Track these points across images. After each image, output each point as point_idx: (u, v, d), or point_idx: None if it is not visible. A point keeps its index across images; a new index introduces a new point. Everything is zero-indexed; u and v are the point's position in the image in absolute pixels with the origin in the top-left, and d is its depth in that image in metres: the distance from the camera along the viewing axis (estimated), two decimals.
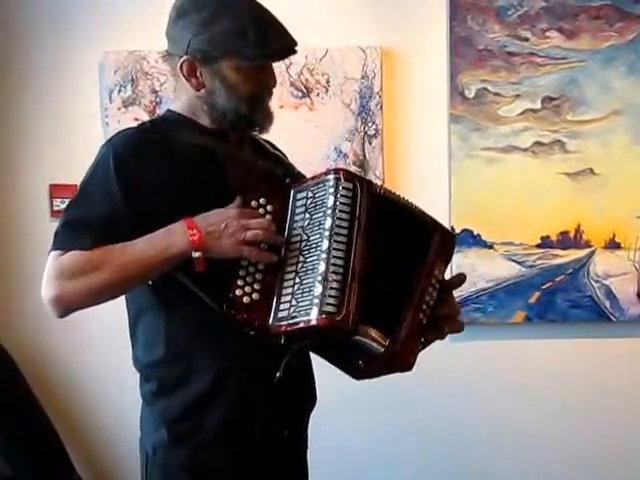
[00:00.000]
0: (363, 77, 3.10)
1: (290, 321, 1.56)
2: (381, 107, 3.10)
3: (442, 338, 1.75)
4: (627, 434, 3.15)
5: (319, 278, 1.54)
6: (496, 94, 3.11)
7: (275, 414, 1.70)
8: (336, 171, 1.63)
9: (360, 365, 1.66)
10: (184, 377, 1.68)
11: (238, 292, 1.59)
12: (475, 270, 3.01)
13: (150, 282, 1.67)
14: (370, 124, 3.10)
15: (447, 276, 1.79)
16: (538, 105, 3.11)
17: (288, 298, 1.58)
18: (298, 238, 1.62)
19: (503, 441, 3.16)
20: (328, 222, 1.58)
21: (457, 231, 3.07)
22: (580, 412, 3.15)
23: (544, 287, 3.11)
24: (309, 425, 1.86)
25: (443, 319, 1.73)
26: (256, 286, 1.60)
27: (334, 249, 1.55)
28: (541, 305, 3.11)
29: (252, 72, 1.70)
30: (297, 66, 3.07)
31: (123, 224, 1.61)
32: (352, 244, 1.57)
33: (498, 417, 3.15)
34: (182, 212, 1.60)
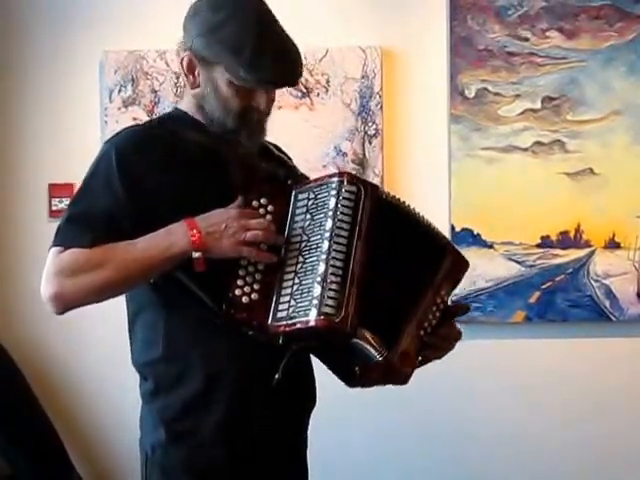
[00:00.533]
0: (363, 77, 3.10)
1: (289, 321, 1.56)
2: (381, 107, 3.10)
3: (439, 358, 1.75)
4: (627, 434, 3.15)
5: (318, 279, 1.53)
6: (496, 94, 3.11)
7: (275, 414, 1.70)
8: (340, 174, 1.62)
9: (356, 371, 1.66)
10: (182, 376, 1.67)
11: (237, 292, 1.59)
12: (475, 270, 3.00)
13: (151, 281, 1.67)
14: (370, 124, 3.10)
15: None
16: (538, 105, 3.11)
17: (287, 298, 1.58)
18: (298, 239, 1.61)
19: (503, 440, 3.16)
20: (329, 223, 1.57)
21: (457, 230, 3.07)
22: (580, 412, 3.14)
23: (544, 287, 3.11)
24: (309, 425, 1.86)
25: (444, 339, 1.73)
26: (255, 286, 1.60)
27: (334, 250, 1.55)
28: (541, 305, 3.11)
29: (244, 90, 1.67)
30: None
31: (125, 221, 1.60)
32: (352, 247, 1.56)
33: (498, 416, 3.15)
34: (183, 210, 1.60)
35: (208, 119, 1.72)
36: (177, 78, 3.09)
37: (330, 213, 1.58)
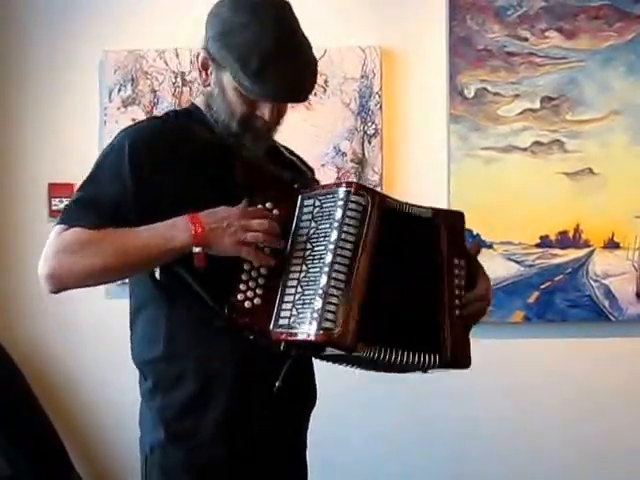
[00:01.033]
0: (362, 77, 3.10)
1: (290, 331, 1.56)
2: (380, 107, 3.10)
3: (482, 317, 1.79)
4: (626, 433, 3.15)
5: (320, 292, 1.53)
6: (495, 94, 3.11)
7: (274, 414, 1.70)
8: (348, 184, 1.61)
9: (428, 372, 1.68)
10: (182, 376, 1.67)
11: (240, 296, 1.59)
12: None
13: (157, 276, 1.68)
14: (369, 124, 3.10)
15: None
16: (537, 105, 3.11)
17: (289, 306, 1.58)
18: (302, 246, 1.61)
19: (502, 439, 3.16)
20: (334, 235, 1.56)
21: None
22: (579, 411, 3.14)
23: (543, 287, 3.11)
24: (309, 425, 1.86)
25: (477, 301, 1.74)
26: (258, 291, 1.60)
27: (337, 263, 1.54)
28: (540, 305, 3.11)
29: (248, 98, 1.66)
30: None
31: (130, 211, 1.61)
32: (356, 259, 1.55)
33: (497, 416, 3.15)
34: (188, 207, 1.60)
35: (214, 119, 1.72)
36: (176, 78, 3.10)
37: (336, 224, 1.57)
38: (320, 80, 3.08)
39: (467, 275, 1.73)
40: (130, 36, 3.12)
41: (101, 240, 1.58)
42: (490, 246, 3.09)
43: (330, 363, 1.71)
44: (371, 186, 3.01)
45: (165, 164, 1.65)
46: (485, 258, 3.00)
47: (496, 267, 3.08)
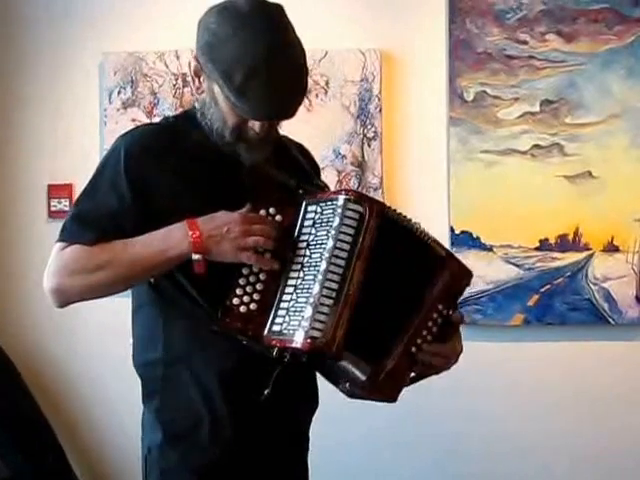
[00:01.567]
0: (362, 80, 3.10)
1: (280, 337, 1.56)
2: (380, 110, 3.10)
3: (437, 373, 1.73)
4: (625, 436, 3.15)
5: (311, 300, 1.53)
6: (495, 97, 3.11)
7: (274, 416, 1.69)
8: (347, 192, 1.60)
9: (346, 387, 1.66)
10: (180, 378, 1.67)
11: (235, 301, 1.59)
12: (474, 272, 2.99)
13: (152, 281, 1.68)
14: (369, 127, 3.10)
15: None
16: (537, 108, 3.11)
17: (284, 312, 1.58)
18: (302, 252, 1.60)
19: (501, 440, 3.15)
20: (329, 243, 1.55)
21: (456, 233, 3.07)
22: (578, 414, 3.14)
23: (543, 290, 3.11)
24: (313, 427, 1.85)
25: (440, 355, 1.70)
26: (255, 296, 1.60)
27: (330, 272, 1.54)
28: (540, 308, 3.11)
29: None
30: None
31: (129, 222, 1.61)
32: (350, 269, 1.54)
33: (496, 418, 3.15)
34: (189, 212, 1.60)
35: (209, 127, 1.69)
36: (176, 80, 3.10)
37: (332, 232, 1.56)
38: (321, 81, 3.09)
39: (442, 328, 1.69)
40: (130, 38, 3.13)
41: (100, 255, 1.58)
42: (490, 249, 3.09)
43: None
44: (371, 189, 3.03)
45: (163, 171, 1.64)
46: (485, 261, 3.07)
47: (496, 270, 3.08)
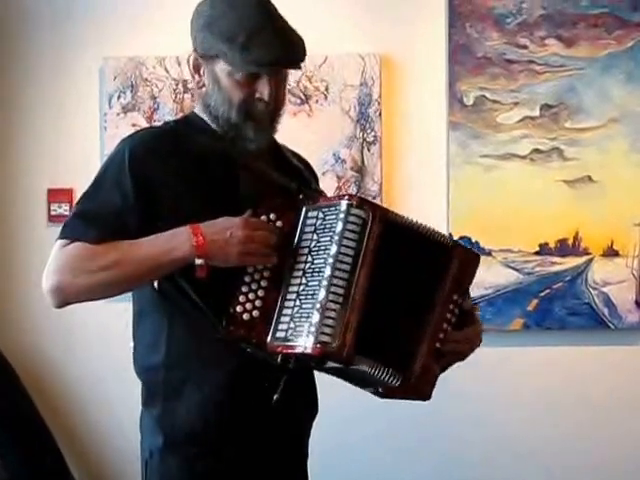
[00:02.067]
0: (362, 84, 3.10)
1: (286, 344, 1.55)
2: (380, 114, 3.11)
3: (462, 360, 1.75)
4: (626, 441, 3.14)
5: (317, 306, 1.52)
6: (495, 101, 3.11)
7: (274, 423, 1.69)
8: (350, 197, 1.59)
9: (379, 392, 1.67)
10: (181, 384, 1.67)
11: (239, 308, 1.59)
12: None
13: (155, 285, 1.67)
14: (369, 131, 3.10)
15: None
16: (537, 113, 3.12)
17: (287, 319, 1.57)
18: (303, 259, 1.60)
19: (501, 445, 3.15)
20: (334, 249, 1.55)
21: (455, 238, 3.07)
22: (578, 419, 3.14)
23: (542, 294, 3.11)
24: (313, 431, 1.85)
25: (461, 342, 1.72)
26: (257, 303, 1.59)
27: (335, 277, 1.53)
28: (539, 312, 3.11)
29: (244, 80, 1.65)
30: (296, 74, 3.07)
31: (132, 222, 1.61)
32: (355, 273, 1.54)
33: (495, 423, 3.14)
34: (190, 216, 1.60)
35: (213, 117, 1.70)
36: (176, 85, 3.10)
37: (336, 238, 1.55)
38: (321, 87, 3.09)
39: (460, 316, 1.70)
40: (130, 43, 3.13)
41: (103, 255, 1.57)
42: (489, 254, 3.09)
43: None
44: (370, 194, 3.03)
45: (167, 173, 1.64)
46: (484, 266, 3.04)
47: (495, 275, 3.08)
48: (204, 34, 1.66)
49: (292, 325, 1.55)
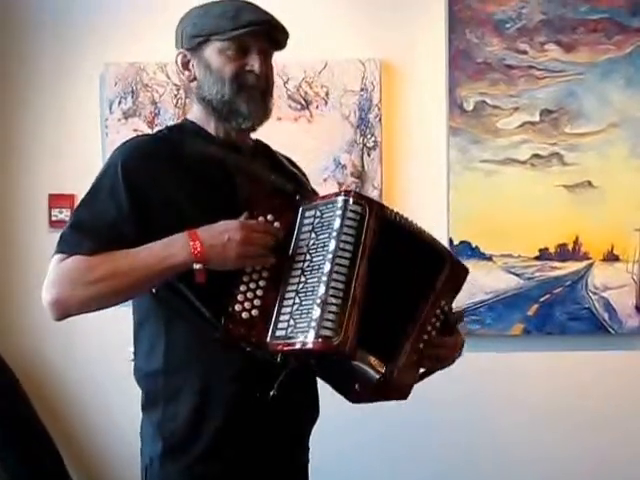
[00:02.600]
0: (362, 90, 3.11)
1: (287, 341, 1.55)
2: (380, 119, 3.11)
3: (443, 368, 1.76)
4: (626, 446, 3.14)
5: (318, 301, 1.53)
6: (495, 107, 3.12)
7: (274, 427, 1.69)
8: (346, 193, 1.60)
9: (356, 389, 1.66)
10: (181, 389, 1.67)
11: (237, 307, 1.59)
12: (473, 282, 3.00)
13: (154, 291, 1.68)
14: (369, 136, 3.11)
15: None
16: (536, 118, 3.12)
17: (287, 317, 1.57)
18: (302, 257, 1.60)
19: (501, 450, 3.15)
20: (332, 245, 1.56)
21: (455, 243, 3.08)
22: (578, 424, 3.14)
23: (542, 299, 3.11)
24: (313, 441, 1.85)
25: (445, 348, 1.73)
26: (256, 302, 1.60)
27: (335, 272, 1.54)
28: (539, 317, 3.11)
29: (234, 54, 1.70)
30: (296, 80, 3.09)
31: (128, 231, 1.61)
32: (354, 269, 1.55)
33: (496, 428, 3.14)
34: (187, 222, 1.60)
35: (207, 104, 1.73)
36: (177, 90, 3.11)
37: (334, 234, 1.56)
38: (321, 93, 3.09)
39: (444, 323, 1.72)
40: (131, 49, 3.13)
41: (100, 266, 1.58)
42: (489, 259, 3.09)
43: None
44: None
45: (162, 180, 1.64)
46: (484, 271, 3.08)
47: (495, 279, 3.08)
48: (194, 22, 1.73)
49: (292, 322, 1.56)
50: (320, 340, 1.50)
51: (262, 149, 1.87)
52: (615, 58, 3.11)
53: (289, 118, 3.09)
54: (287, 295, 1.59)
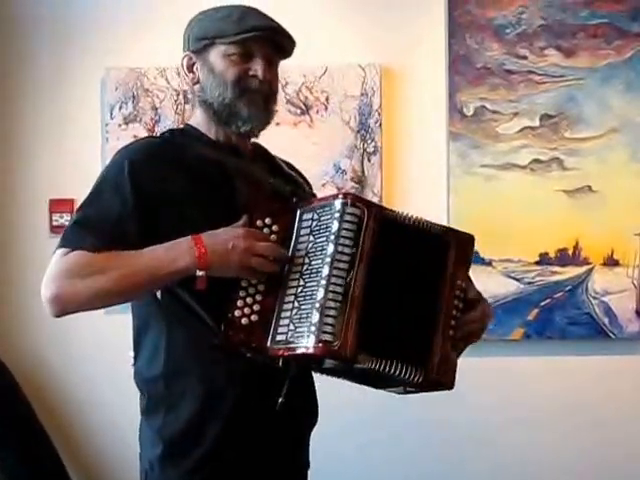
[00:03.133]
0: (362, 94, 3.11)
1: (287, 346, 1.55)
2: (380, 124, 3.12)
3: (477, 340, 1.75)
4: (627, 451, 3.14)
5: (317, 305, 1.52)
6: (495, 112, 3.12)
7: (275, 432, 1.69)
8: (344, 195, 1.59)
9: (402, 391, 1.67)
10: (181, 395, 1.66)
11: (237, 313, 1.58)
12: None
13: (159, 296, 1.67)
14: (369, 141, 3.11)
15: None
16: (536, 123, 3.12)
17: (286, 322, 1.57)
18: (300, 261, 1.60)
19: (501, 456, 3.15)
20: (330, 248, 1.55)
21: None
22: (579, 429, 3.14)
23: (543, 304, 3.11)
24: (312, 444, 1.85)
25: (473, 322, 1.71)
26: (255, 307, 1.59)
27: (334, 276, 1.53)
28: (540, 322, 3.11)
29: (238, 58, 1.71)
30: (296, 84, 3.09)
31: (131, 229, 1.61)
32: (353, 271, 1.54)
33: (496, 433, 3.14)
34: (188, 223, 1.61)
35: (208, 107, 1.74)
36: (177, 96, 3.11)
37: (332, 237, 1.55)
38: (322, 98, 3.10)
39: (466, 299, 1.70)
40: (131, 54, 3.14)
41: (104, 263, 1.57)
42: (489, 263, 3.09)
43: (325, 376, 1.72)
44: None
45: (165, 180, 1.65)
46: (485, 276, 3.07)
47: (496, 284, 3.08)
48: (200, 25, 1.75)
49: (292, 327, 1.55)
50: (320, 345, 1.50)
51: (261, 153, 1.87)
52: (615, 63, 3.12)
53: (289, 123, 3.09)
54: (286, 299, 1.59)
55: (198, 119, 1.79)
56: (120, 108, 3.13)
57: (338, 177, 3.10)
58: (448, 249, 1.68)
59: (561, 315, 3.11)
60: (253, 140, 1.84)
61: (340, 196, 1.59)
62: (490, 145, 3.11)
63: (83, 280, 1.57)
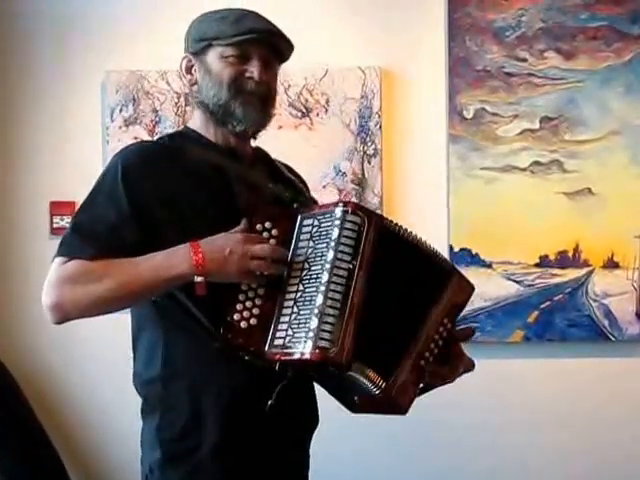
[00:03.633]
0: (362, 97, 3.12)
1: (285, 350, 1.55)
2: (380, 127, 3.12)
3: (444, 384, 1.74)
4: (626, 453, 3.14)
5: (316, 311, 1.52)
6: (494, 114, 3.13)
7: (273, 435, 1.69)
8: (345, 203, 1.60)
9: (356, 401, 1.66)
10: (179, 397, 1.67)
11: (236, 317, 1.59)
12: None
13: (152, 299, 1.68)
14: (369, 144, 3.11)
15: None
16: (536, 125, 3.12)
17: (285, 327, 1.57)
18: (300, 266, 1.60)
19: (501, 458, 3.15)
20: (330, 255, 1.55)
21: (456, 250, 3.08)
22: (579, 431, 3.14)
23: (542, 306, 3.11)
24: (311, 446, 1.85)
25: (448, 367, 1.72)
26: (255, 311, 1.60)
27: (333, 283, 1.53)
28: (539, 324, 3.11)
29: (235, 60, 1.72)
30: (296, 87, 3.10)
31: (128, 235, 1.61)
32: (352, 279, 1.54)
33: (496, 435, 3.14)
34: (186, 228, 1.61)
35: (204, 107, 1.75)
36: (178, 98, 3.12)
37: (332, 244, 1.56)
38: (322, 100, 3.10)
39: (447, 341, 1.69)
40: (132, 57, 3.15)
41: (101, 272, 1.58)
42: (489, 265, 3.09)
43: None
44: (371, 206, 3.04)
45: (162, 185, 1.65)
46: (484, 278, 3.08)
47: (495, 287, 3.08)
48: (199, 26, 1.77)
49: (290, 332, 1.55)
50: (317, 351, 1.50)
51: (261, 157, 1.87)
52: (615, 65, 3.12)
53: (290, 126, 3.10)
54: (285, 304, 1.59)
55: (197, 121, 1.80)
56: (121, 111, 3.13)
57: (338, 179, 3.10)
58: (446, 284, 1.69)
59: (561, 317, 3.11)
60: (254, 144, 1.85)
61: (341, 204, 1.60)
62: (490, 147, 3.12)
63: (81, 288, 1.58)
